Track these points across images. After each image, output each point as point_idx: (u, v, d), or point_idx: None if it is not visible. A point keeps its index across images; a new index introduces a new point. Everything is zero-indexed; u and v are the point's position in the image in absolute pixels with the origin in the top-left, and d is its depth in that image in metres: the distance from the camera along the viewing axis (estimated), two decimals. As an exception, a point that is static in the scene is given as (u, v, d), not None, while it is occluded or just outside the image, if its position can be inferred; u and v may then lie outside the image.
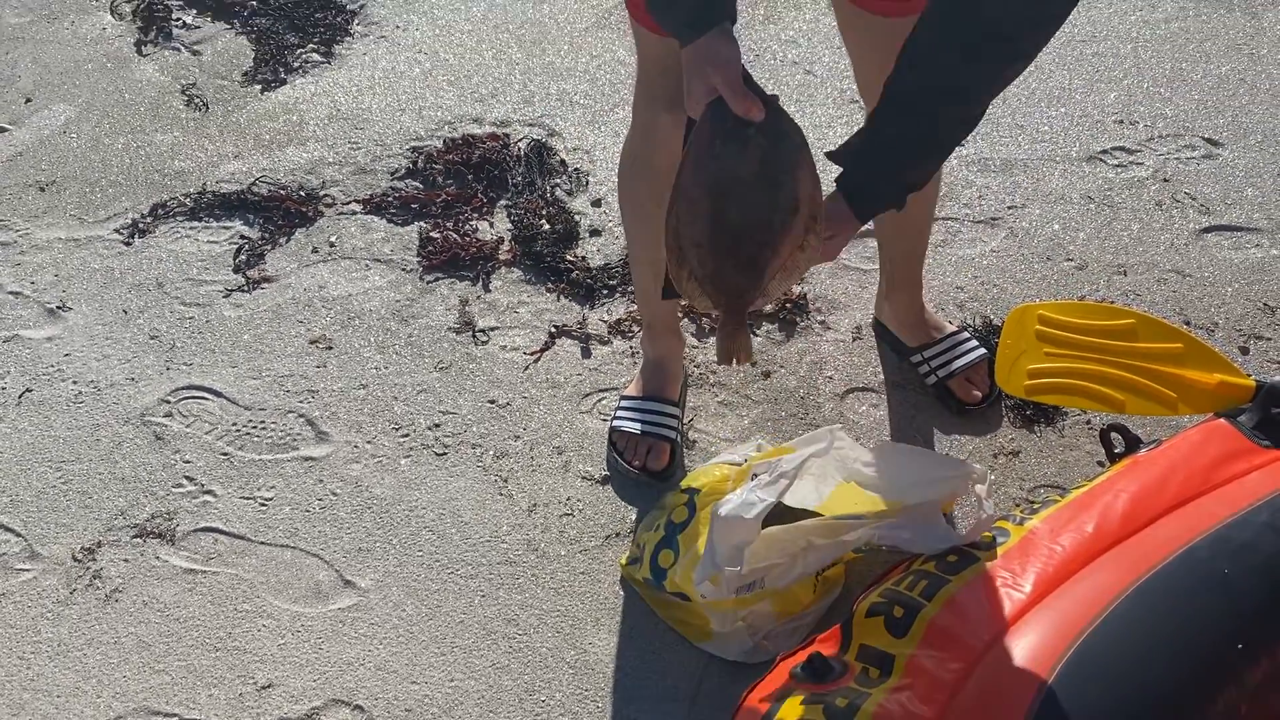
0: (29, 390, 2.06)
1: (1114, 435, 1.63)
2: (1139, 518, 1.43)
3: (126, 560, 1.80)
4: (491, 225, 2.32)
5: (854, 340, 2.05)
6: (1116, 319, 1.68)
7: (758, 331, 2.08)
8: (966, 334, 1.96)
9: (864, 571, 1.67)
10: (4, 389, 2.06)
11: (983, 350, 1.94)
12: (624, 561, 1.76)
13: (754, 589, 1.54)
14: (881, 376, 1.99)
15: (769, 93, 1.19)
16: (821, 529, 1.52)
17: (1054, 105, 2.50)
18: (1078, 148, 2.40)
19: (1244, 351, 2.00)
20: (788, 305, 2.10)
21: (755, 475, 1.57)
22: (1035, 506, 1.53)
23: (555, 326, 2.12)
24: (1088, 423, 1.90)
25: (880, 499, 1.55)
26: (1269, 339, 2.02)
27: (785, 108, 1.23)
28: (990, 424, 1.91)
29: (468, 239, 2.28)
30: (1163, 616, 1.33)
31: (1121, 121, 2.45)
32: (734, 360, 1.34)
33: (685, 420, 1.94)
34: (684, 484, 1.76)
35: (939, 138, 1.30)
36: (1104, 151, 2.39)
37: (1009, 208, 2.28)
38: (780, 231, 1.22)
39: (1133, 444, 1.61)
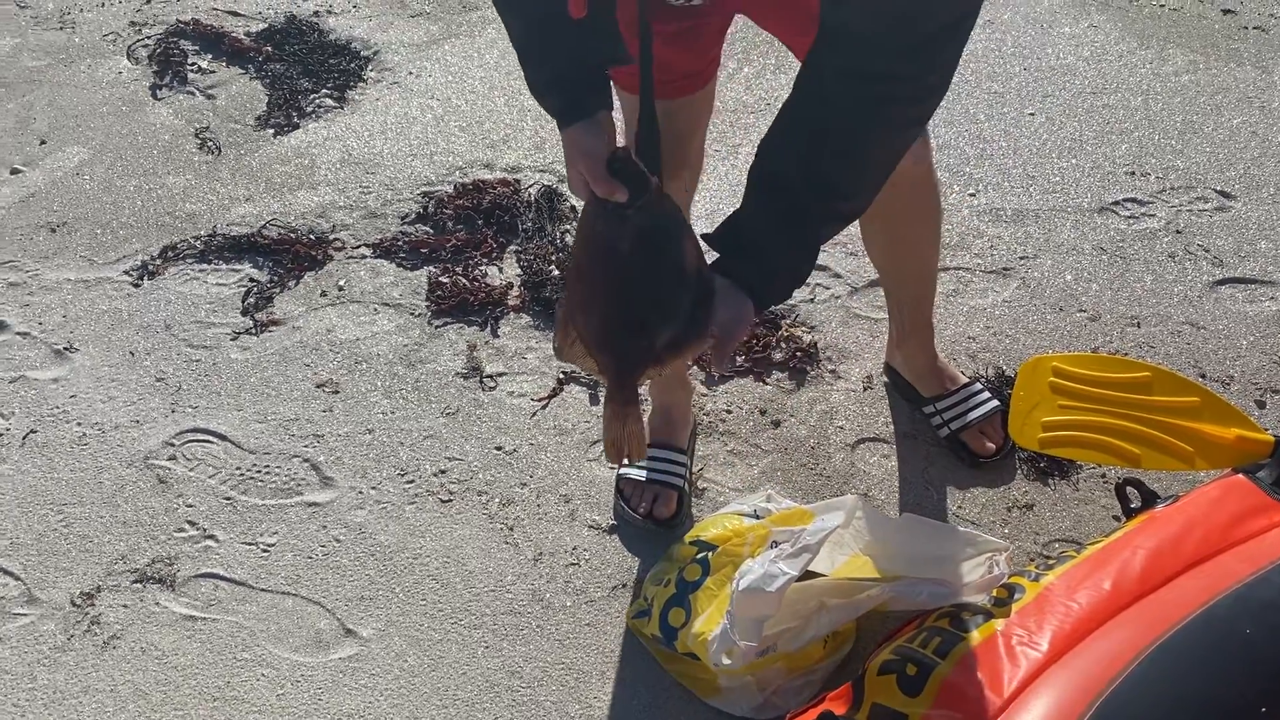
0: (33, 431, 2.04)
1: (1130, 490, 1.60)
2: (1157, 575, 1.40)
3: (126, 606, 1.78)
4: (501, 270, 2.32)
5: (865, 390, 2.03)
6: (1132, 371, 1.66)
7: (768, 380, 2.07)
8: (979, 385, 1.94)
9: (875, 627, 1.63)
10: (9, 430, 2.05)
11: (996, 402, 1.91)
12: (631, 614, 1.73)
13: (766, 654, 1.51)
14: (893, 427, 1.97)
15: (652, 177, 1.21)
16: (834, 589, 1.49)
17: (1065, 156, 2.50)
18: (1089, 199, 2.39)
19: (1260, 405, 1.98)
20: (798, 354, 2.09)
21: (775, 543, 1.54)
22: (1050, 562, 1.50)
23: (563, 373, 2.10)
24: (1102, 476, 1.88)
25: (893, 575, 1.51)
26: (1285, 393, 2.00)
27: None
28: (1004, 476, 1.88)
29: (477, 284, 2.28)
30: (1184, 678, 1.29)
31: (1133, 173, 2.44)
32: (622, 456, 1.25)
33: (694, 469, 1.92)
34: (692, 535, 1.73)
35: (807, 217, 1.24)
36: (1116, 203, 2.38)
37: (1021, 258, 2.27)
38: (668, 296, 1.20)
39: (1149, 499, 1.58)
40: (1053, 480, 1.87)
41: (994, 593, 1.45)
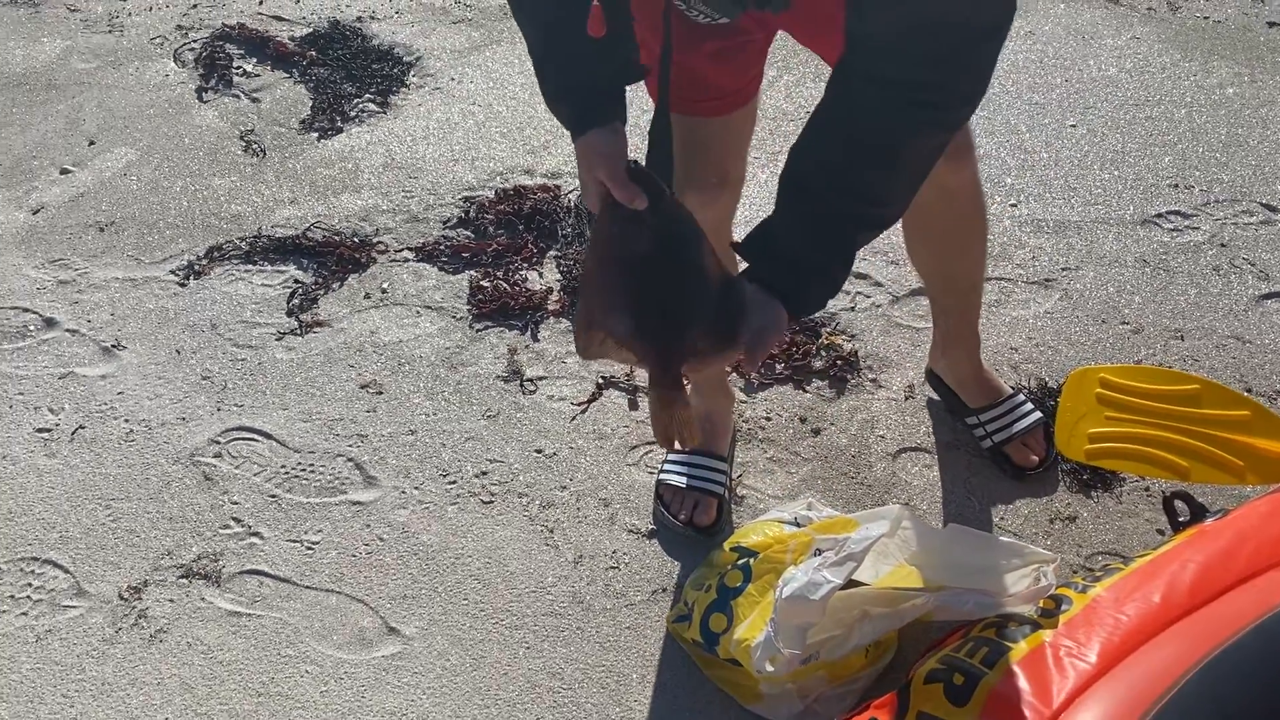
0: (82, 427, 2.07)
1: (1178, 503, 1.59)
2: (1208, 589, 1.38)
3: (172, 600, 1.80)
4: (541, 275, 2.33)
5: (906, 399, 2.03)
6: (1180, 384, 1.66)
7: (807, 388, 2.07)
8: (1022, 397, 1.93)
9: (917, 637, 1.63)
10: (58, 425, 2.08)
11: (1039, 415, 1.91)
12: (671, 618, 1.73)
13: (809, 662, 1.51)
14: (934, 437, 1.96)
15: (666, 185, 1.22)
16: (878, 598, 1.49)
17: (1107, 168, 2.49)
18: (1132, 211, 2.38)
19: (1307, 421, 1.96)
20: (838, 362, 2.09)
21: (819, 551, 1.54)
22: (1097, 574, 1.50)
23: (603, 378, 2.11)
24: (1146, 490, 1.86)
25: (938, 585, 1.51)
26: (1332, 409, 1.98)
27: None
28: (1047, 488, 1.87)
29: (517, 288, 2.29)
30: (1235, 693, 1.28)
31: (1176, 185, 2.43)
32: (674, 440, 1.25)
33: (733, 476, 1.92)
34: (732, 541, 1.73)
35: (841, 226, 1.23)
36: (1159, 215, 2.37)
37: (1063, 269, 2.26)
38: (691, 295, 1.21)
39: (1198, 513, 1.57)
40: (1096, 493, 1.87)
41: (1040, 604, 1.44)
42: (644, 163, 1.29)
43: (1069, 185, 2.45)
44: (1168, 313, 2.16)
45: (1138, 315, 2.16)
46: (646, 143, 1.31)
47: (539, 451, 2.00)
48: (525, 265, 2.35)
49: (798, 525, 1.73)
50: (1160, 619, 1.36)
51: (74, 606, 1.80)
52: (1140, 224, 2.35)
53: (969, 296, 1.87)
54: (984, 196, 1.77)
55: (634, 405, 2.07)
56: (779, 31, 1.56)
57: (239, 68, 2.93)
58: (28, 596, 1.82)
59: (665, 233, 1.21)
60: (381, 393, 2.11)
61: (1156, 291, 2.21)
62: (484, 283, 2.31)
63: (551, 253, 2.38)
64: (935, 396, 2.01)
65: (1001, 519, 1.84)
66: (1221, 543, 1.45)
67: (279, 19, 3.10)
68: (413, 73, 2.89)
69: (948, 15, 1.12)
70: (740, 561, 1.67)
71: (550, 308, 2.25)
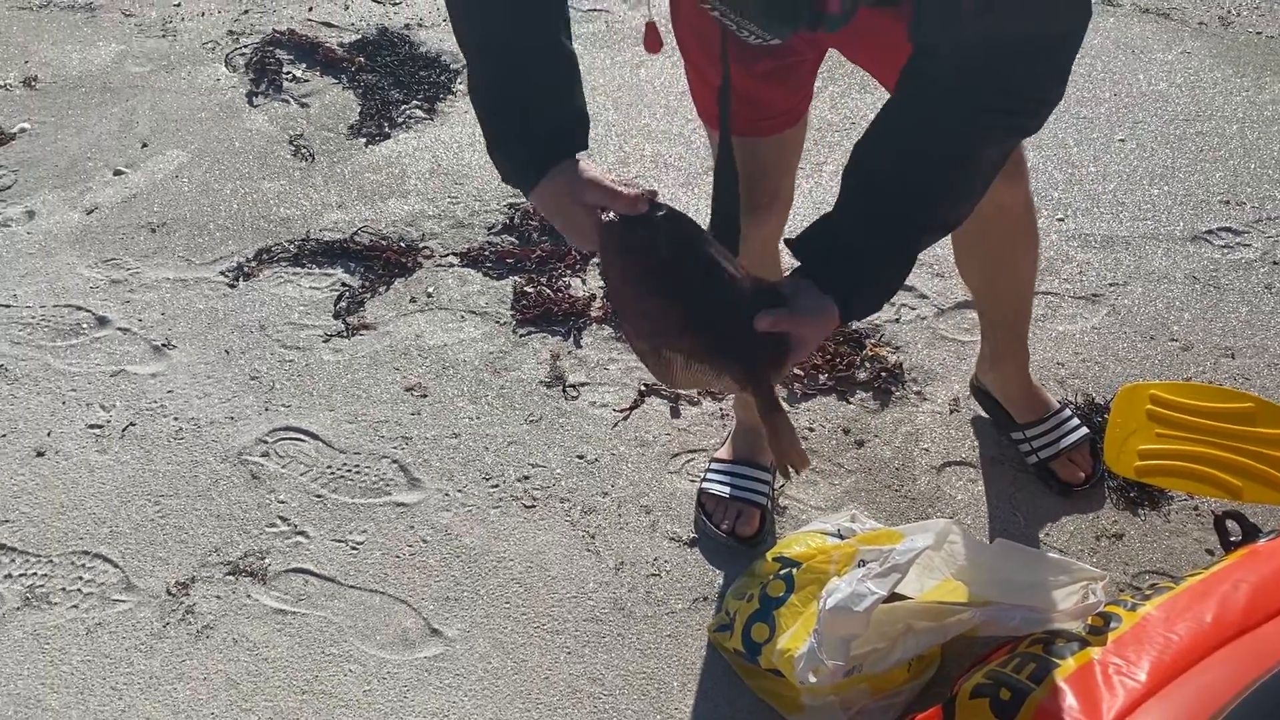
0: (132, 424, 2.11)
1: (1230, 523, 1.57)
2: (1261, 611, 1.37)
3: (219, 597, 1.82)
4: (584, 282, 2.34)
5: (951, 413, 2.02)
6: (1233, 402, 1.64)
7: (851, 399, 2.06)
8: (1069, 412, 1.92)
9: (960, 652, 1.62)
10: (109, 422, 2.11)
11: (1086, 430, 1.89)
12: (713, 627, 1.73)
13: (852, 674, 1.51)
14: (979, 451, 1.95)
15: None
16: (923, 611, 1.48)
17: (1156, 183, 2.46)
18: (1182, 226, 2.36)
19: (1361, 442, 1.93)
20: (882, 374, 2.08)
21: (863, 562, 1.53)
22: (1146, 593, 1.48)
23: (645, 385, 2.12)
24: (1194, 508, 1.84)
25: (985, 600, 1.50)
26: (1387, 431, 1.95)
27: None
28: (1093, 504, 1.85)
29: (560, 295, 2.30)
30: (1289, 717, 1.27)
31: (1228, 202, 2.40)
32: (793, 468, 1.20)
33: (776, 486, 1.92)
34: (775, 552, 1.73)
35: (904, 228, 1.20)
36: (1209, 231, 2.34)
37: (1110, 284, 2.24)
38: (725, 284, 1.17)
39: (1250, 533, 1.55)
40: (1143, 510, 1.85)
41: (1089, 621, 1.43)
42: (712, 196, 1.28)
43: (1117, 200, 2.43)
44: (1218, 330, 2.14)
45: (1187, 332, 2.14)
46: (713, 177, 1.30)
47: (581, 457, 2.01)
48: (568, 272, 2.37)
49: (841, 537, 1.73)
50: (1212, 639, 1.35)
51: (123, 601, 1.83)
52: (1190, 240, 2.33)
53: (1019, 311, 1.86)
54: (1035, 211, 1.76)
55: (675, 413, 2.07)
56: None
57: (289, 73, 2.97)
58: (78, 590, 1.85)
59: (674, 231, 1.19)
60: (426, 396, 2.13)
61: (1207, 309, 2.18)
62: (528, 288, 2.32)
63: (594, 260, 2.39)
64: (980, 411, 2.00)
65: (1046, 535, 1.82)
66: (1274, 564, 1.43)
67: (328, 25, 3.14)
68: (459, 80, 2.92)
69: (1018, 24, 1.11)
70: (783, 571, 1.67)
71: (593, 314, 2.26)
